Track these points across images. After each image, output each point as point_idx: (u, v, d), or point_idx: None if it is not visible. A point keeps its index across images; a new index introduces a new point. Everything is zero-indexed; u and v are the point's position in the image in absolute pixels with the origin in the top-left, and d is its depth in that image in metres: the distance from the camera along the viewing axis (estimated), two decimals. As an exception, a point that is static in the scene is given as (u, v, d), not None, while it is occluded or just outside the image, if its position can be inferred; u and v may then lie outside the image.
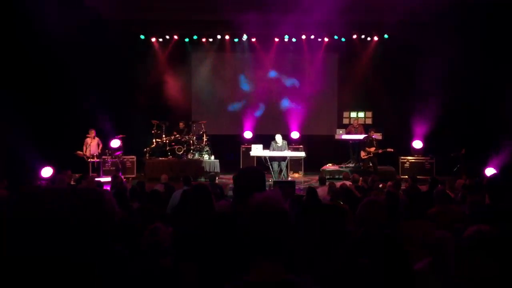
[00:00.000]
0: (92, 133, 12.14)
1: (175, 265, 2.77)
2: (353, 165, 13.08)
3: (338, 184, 7.90)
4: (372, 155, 12.30)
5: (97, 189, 2.38)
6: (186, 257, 2.65)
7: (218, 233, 2.44)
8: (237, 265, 1.67)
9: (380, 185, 8.13)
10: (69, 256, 1.09)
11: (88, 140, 12.09)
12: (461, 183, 8.10)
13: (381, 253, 2.87)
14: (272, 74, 15.16)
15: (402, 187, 8.53)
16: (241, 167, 12.49)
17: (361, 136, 12.96)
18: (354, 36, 14.33)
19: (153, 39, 14.47)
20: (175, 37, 14.47)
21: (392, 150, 12.35)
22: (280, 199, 1.70)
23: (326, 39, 14.42)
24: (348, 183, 8.56)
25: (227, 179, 11.75)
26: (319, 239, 4.29)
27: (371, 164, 12.36)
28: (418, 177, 11.89)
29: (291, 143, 13.23)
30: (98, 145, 12.26)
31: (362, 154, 12.47)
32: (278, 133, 12.36)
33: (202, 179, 12.11)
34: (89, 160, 11.87)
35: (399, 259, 2.92)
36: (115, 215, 2.30)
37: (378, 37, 14.29)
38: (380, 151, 12.27)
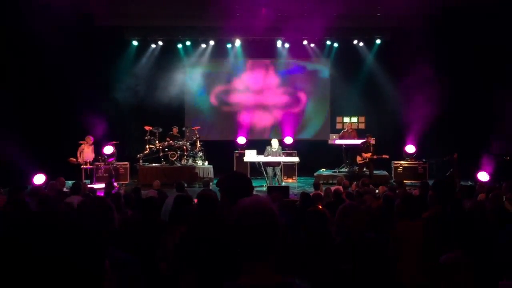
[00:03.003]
0: (90, 140, 12.03)
1: (174, 271, 2.76)
2: (346, 170, 13.11)
3: (333, 188, 7.90)
4: (368, 160, 12.32)
5: (103, 198, 2.42)
6: (185, 264, 2.64)
7: (210, 238, 2.44)
8: (229, 270, 1.66)
9: (377, 191, 8.11)
10: (72, 262, 1.09)
11: (83, 146, 11.99)
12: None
13: (363, 258, 2.87)
14: (265, 79, 15.20)
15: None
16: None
17: (354, 141, 12.99)
18: (348, 41, 14.41)
19: (146, 45, 14.45)
20: (168, 42, 14.47)
21: (387, 157, 12.40)
22: (268, 201, 1.72)
23: (319, 44, 14.49)
24: (341, 188, 8.56)
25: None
26: (304, 243, 4.31)
27: (365, 169, 12.39)
28: (411, 181, 12.08)
29: (284, 148, 13.24)
30: (93, 152, 12.15)
31: (358, 159, 12.48)
32: (274, 138, 12.39)
33: (196, 185, 12.07)
34: (82, 166, 11.78)
35: (381, 264, 2.93)
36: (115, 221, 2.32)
37: (371, 42, 14.38)
38: (375, 157, 12.30)
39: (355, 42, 14.46)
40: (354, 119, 14.77)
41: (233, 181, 2.56)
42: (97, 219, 2.23)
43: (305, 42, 14.43)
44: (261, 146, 12.34)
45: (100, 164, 11.97)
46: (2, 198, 6.47)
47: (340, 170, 13.20)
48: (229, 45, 14.66)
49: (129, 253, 2.27)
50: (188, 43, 14.56)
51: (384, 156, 12.31)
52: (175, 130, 13.55)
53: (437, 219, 3.81)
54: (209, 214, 3.06)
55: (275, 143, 12.15)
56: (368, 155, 12.31)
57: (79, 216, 2.30)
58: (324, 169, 13.37)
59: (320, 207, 5.93)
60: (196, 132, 13.38)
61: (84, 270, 1.08)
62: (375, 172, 12.47)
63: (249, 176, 12.31)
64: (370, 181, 9.42)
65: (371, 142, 12.48)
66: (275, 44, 14.50)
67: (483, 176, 10.86)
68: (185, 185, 8.76)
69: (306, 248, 3.01)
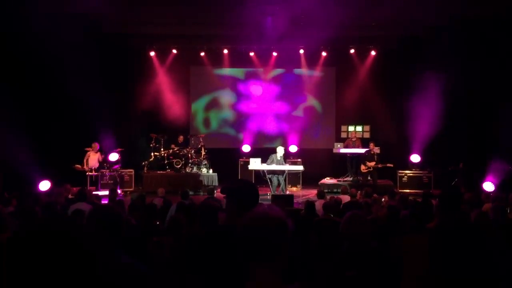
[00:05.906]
0: (96, 146, 12.08)
1: (178, 277, 2.76)
2: (351, 179, 13.08)
3: (336, 197, 7.90)
4: (372, 169, 12.29)
5: (116, 207, 2.42)
6: (189, 269, 2.64)
7: (218, 245, 2.44)
8: (236, 277, 1.67)
9: (383, 199, 8.08)
10: (77, 267, 1.10)
11: (89, 153, 12.03)
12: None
13: (367, 266, 2.87)
14: (270, 87, 15.24)
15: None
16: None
17: (358, 150, 12.98)
18: (352, 50, 14.43)
19: (152, 53, 14.53)
20: (174, 51, 14.54)
21: (391, 165, 12.36)
22: (282, 212, 1.73)
23: (324, 53, 14.52)
24: (346, 197, 8.55)
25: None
26: (314, 251, 4.31)
27: (370, 178, 12.35)
28: (415, 191, 12.03)
29: (289, 157, 13.24)
30: (99, 159, 12.17)
31: (362, 167, 12.46)
32: (278, 146, 12.37)
33: (201, 193, 12.08)
34: (87, 173, 11.82)
35: (386, 272, 2.92)
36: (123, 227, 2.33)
37: (376, 51, 14.38)
38: (380, 165, 12.27)
39: (361, 50, 14.48)
40: (359, 128, 14.74)
41: (240, 188, 2.55)
42: (105, 227, 2.24)
43: (310, 51, 14.45)
44: (266, 154, 12.34)
45: (105, 171, 12.00)
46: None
47: (345, 179, 13.17)
48: (235, 53, 14.72)
49: (135, 259, 2.27)
50: (194, 51, 14.63)
51: (388, 164, 12.28)
52: (180, 137, 13.61)
53: (442, 231, 3.77)
54: (211, 223, 3.06)
55: (280, 150, 12.14)
56: (372, 163, 12.29)
57: (88, 223, 2.31)
58: (328, 178, 13.34)
59: (332, 215, 5.93)
60: (201, 140, 13.42)
61: (82, 275, 1.09)
62: (379, 181, 12.43)
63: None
64: (373, 191, 9.39)
65: (374, 150, 12.46)
66: (281, 52, 14.54)
67: (488, 186, 10.80)
68: (190, 192, 8.78)
69: (311, 255, 3.02)
